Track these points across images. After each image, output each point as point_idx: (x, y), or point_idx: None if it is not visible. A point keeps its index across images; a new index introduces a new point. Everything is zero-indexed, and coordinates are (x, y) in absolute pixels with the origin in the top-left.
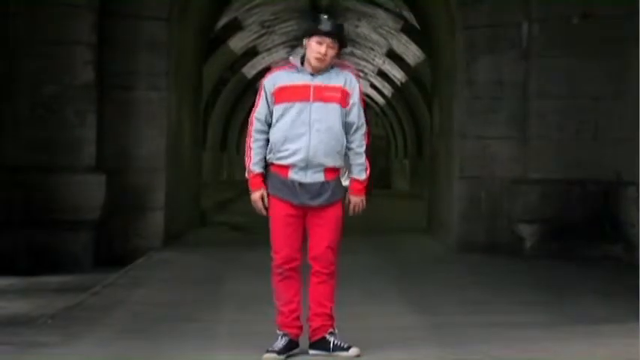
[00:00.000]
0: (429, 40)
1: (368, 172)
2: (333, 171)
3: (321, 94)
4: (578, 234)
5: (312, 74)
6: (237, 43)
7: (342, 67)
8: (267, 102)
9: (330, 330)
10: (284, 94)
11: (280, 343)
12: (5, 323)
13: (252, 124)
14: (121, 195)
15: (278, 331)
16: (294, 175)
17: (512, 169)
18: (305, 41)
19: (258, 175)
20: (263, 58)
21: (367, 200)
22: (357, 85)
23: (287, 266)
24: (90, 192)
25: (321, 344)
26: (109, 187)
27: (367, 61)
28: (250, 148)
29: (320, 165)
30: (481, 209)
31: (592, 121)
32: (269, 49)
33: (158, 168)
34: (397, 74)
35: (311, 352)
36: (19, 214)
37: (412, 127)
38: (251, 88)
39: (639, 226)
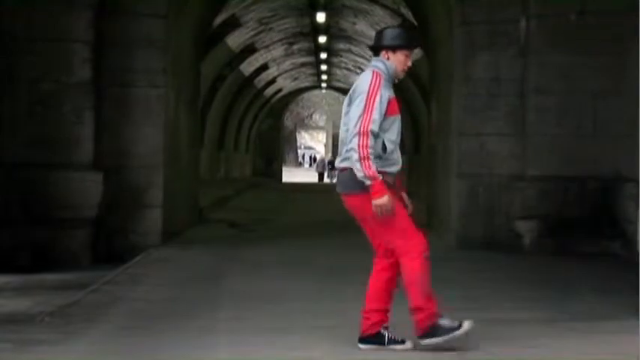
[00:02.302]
0: (426, 37)
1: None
2: None
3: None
4: (577, 231)
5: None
6: (235, 40)
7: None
8: (381, 112)
9: (386, 324)
10: (392, 106)
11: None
12: (3, 321)
13: (367, 135)
14: (118, 192)
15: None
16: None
17: (510, 165)
18: (386, 53)
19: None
20: (261, 55)
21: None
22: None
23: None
24: (88, 189)
25: (375, 338)
26: (106, 184)
27: (364, 58)
28: (369, 158)
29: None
30: (479, 206)
31: (590, 118)
32: (267, 46)
33: (156, 165)
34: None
35: (362, 346)
36: (17, 212)
37: (410, 124)
38: (248, 85)
39: (638, 222)
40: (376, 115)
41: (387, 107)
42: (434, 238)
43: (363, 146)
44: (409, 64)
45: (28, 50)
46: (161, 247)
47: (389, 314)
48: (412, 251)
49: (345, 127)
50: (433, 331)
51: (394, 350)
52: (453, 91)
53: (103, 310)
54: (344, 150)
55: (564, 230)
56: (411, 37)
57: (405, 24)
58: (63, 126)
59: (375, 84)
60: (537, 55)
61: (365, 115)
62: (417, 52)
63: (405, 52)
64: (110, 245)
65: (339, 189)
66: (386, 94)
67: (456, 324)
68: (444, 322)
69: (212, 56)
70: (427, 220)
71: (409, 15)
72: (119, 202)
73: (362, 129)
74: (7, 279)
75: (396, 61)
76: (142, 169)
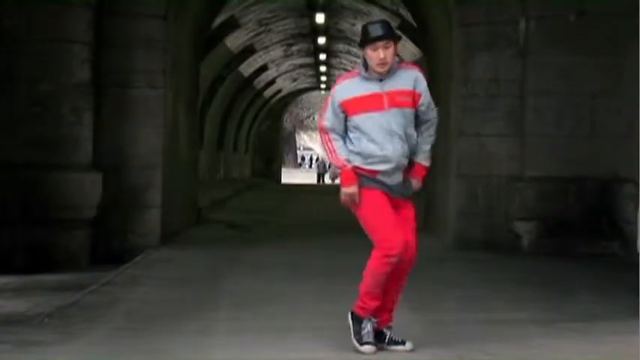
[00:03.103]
0: (425, 38)
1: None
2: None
3: (394, 101)
4: (576, 231)
5: (380, 80)
6: (234, 41)
7: (407, 67)
8: (334, 111)
9: (390, 324)
10: (358, 104)
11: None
12: (2, 321)
13: (323, 131)
14: (118, 193)
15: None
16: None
17: (509, 166)
18: (364, 54)
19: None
20: (260, 56)
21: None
22: (425, 85)
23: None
24: (87, 190)
25: (356, 320)
26: (105, 185)
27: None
28: (333, 150)
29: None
30: (478, 207)
31: (589, 119)
32: (266, 47)
33: (155, 166)
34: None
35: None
36: (15, 212)
37: None
38: (248, 86)
39: (637, 223)
40: (329, 113)
41: (350, 106)
42: (432, 238)
43: (324, 142)
44: (381, 56)
45: (28, 51)
46: (160, 247)
47: (392, 314)
48: (379, 250)
49: None
50: (353, 319)
51: (395, 351)
52: (452, 91)
53: (102, 311)
54: None
55: (563, 231)
56: (373, 30)
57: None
58: (62, 126)
59: (335, 84)
60: (536, 56)
61: (321, 113)
62: (416, 53)
63: (370, 46)
64: (109, 246)
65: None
66: (343, 93)
67: (365, 339)
68: (366, 325)
69: (211, 57)
70: (424, 219)
71: (408, 16)
72: (118, 202)
73: (318, 126)
74: (5, 280)
75: (368, 57)
76: (141, 169)
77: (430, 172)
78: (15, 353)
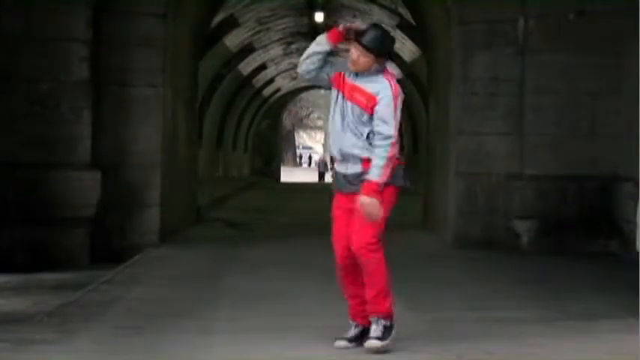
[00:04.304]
0: (424, 37)
1: (381, 178)
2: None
3: (351, 95)
4: (575, 230)
5: (357, 74)
6: (233, 40)
7: (386, 76)
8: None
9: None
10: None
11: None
12: (2, 320)
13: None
14: (117, 192)
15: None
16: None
17: (508, 165)
18: None
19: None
20: (259, 54)
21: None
22: (390, 96)
23: None
24: (86, 189)
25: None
26: (104, 183)
27: None
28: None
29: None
30: (477, 205)
31: (588, 117)
32: (265, 46)
33: (154, 164)
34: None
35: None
36: (15, 211)
37: (408, 123)
38: (247, 84)
39: (637, 221)
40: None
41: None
42: (431, 236)
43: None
44: (353, 57)
45: (27, 49)
46: (159, 246)
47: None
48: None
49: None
50: None
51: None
52: (451, 90)
53: (102, 310)
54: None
55: (562, 229)
56: (366, 34)
57: (404, 22)
58: (61, 125)
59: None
60: (535, 55)
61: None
62: (415, 52)
63: (355, 43)
64: (108, 244)
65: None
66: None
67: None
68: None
69: (210, 56)
70: (423, 218)
71: (407, 14)
72: (117, 201)
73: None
74: (5, 278)
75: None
76: (140, 168)
77: (429, 170)
78: (15, 352)
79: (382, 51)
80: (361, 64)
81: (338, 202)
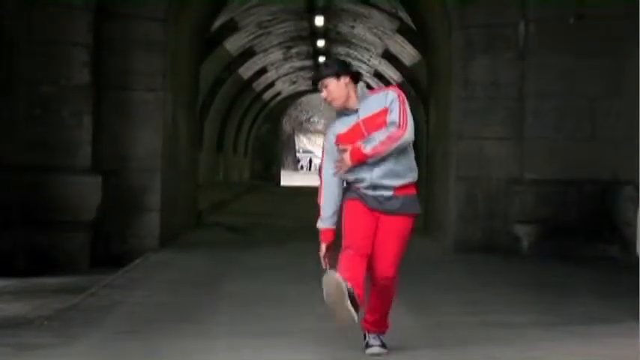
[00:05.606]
0: (424, 41)
1: (372, 152)
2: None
3: (369, 127)
4: (575, 234)
5: (356, 110)
6: (234, 43)
7: (380, 91)
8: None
9: (372, 330)
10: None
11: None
12: (2, 324)
13: None
14: (117, 196)
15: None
16: None
17: (508, 169)
18: None
19: None
20: (259, 58)
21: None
22: (395, 96)
23: None
24: (86, 193)
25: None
26: (105, 187)
27: (363, 62)
28: None
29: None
30: (478, 210)
31: (589, 121)
32: (265, 50)
33: (154, 168)
34: (393, 75)
35: None
36: (15, 215)
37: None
38: (247, 88)
39: (637, 225)
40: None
41: (342, 142)
42: (431, 241)
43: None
44: (323, 95)
45: (28, 53)
46: (159, 250)
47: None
48: (343, 249)
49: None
50: None
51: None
52: (451, 94)
53: (102, 314)
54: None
55: (563, 233)
56: (313, 73)
57: (404, 26)
58: (62, 129)
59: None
60: (536, 59)
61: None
62: (415, 56)
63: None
64: (108, 248)
65: (405, 209)
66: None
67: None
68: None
69: (211, 60)
70: (424, 222)
71: (407, 18)
72: (117, 205)
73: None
74: (5, 282)
75: None
76: (140, 172)
77: (428, 174)
78: (15, 356)
79: (342, 67)
80: (337, 95)
81: (361, 209)
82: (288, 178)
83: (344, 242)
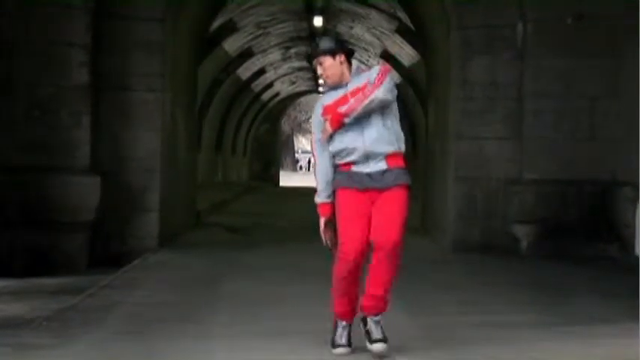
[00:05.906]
0: (423, 41)
1: (348, 108)
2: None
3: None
4: (574, 234)
5: (346, 84)
6: (232, 44)
7: (371, 68)
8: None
9: (372, 312)
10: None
11: None
12: (1, 325)
13: None
14: (116, 196)
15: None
16: None
17: (507, 169)
18: None
19: None
20: (258, 59)
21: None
22: (379, 68)
23: None
24: (85, 193)
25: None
26: (104, 188)
27: (361, 62)
28: None
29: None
30: (477, 209)
31: (587, 121)
32: (264, 50)
33: (153, 169)
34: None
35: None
36: (14, 215)
37: (407, 127)
38: (246, 89)
39: (636, 225)
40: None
41: (328, 112)
42: (430, 241)
43: None
44: (319, 72)
45: (26, 54)
46: (158, 251)
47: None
48: (339, 252)
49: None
50: (335, 320)
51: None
52: (450, 94)
53: (101, 315)
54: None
55: (562, 234)
56: (312, 47)
57: (403, 26)
58: (60, 130)
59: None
60: (534, 59)
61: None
62: (414, 56)
63: (316, 62)
64: (107, 249)
65: (399, 181)
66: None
67: (337, 341)
68: (338, 327)
69: (209, 60)
70: (422, 222)
71: (406, 19)
72: (117, 205)
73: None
74: (4, 283)
75: None
76: (139, 172)
77: (427, 174)
78: (14, 356)
79: (338, 45)
80: (331, 72)
81: (353, 199)
82: (287, 179)
83: (340, 239)
